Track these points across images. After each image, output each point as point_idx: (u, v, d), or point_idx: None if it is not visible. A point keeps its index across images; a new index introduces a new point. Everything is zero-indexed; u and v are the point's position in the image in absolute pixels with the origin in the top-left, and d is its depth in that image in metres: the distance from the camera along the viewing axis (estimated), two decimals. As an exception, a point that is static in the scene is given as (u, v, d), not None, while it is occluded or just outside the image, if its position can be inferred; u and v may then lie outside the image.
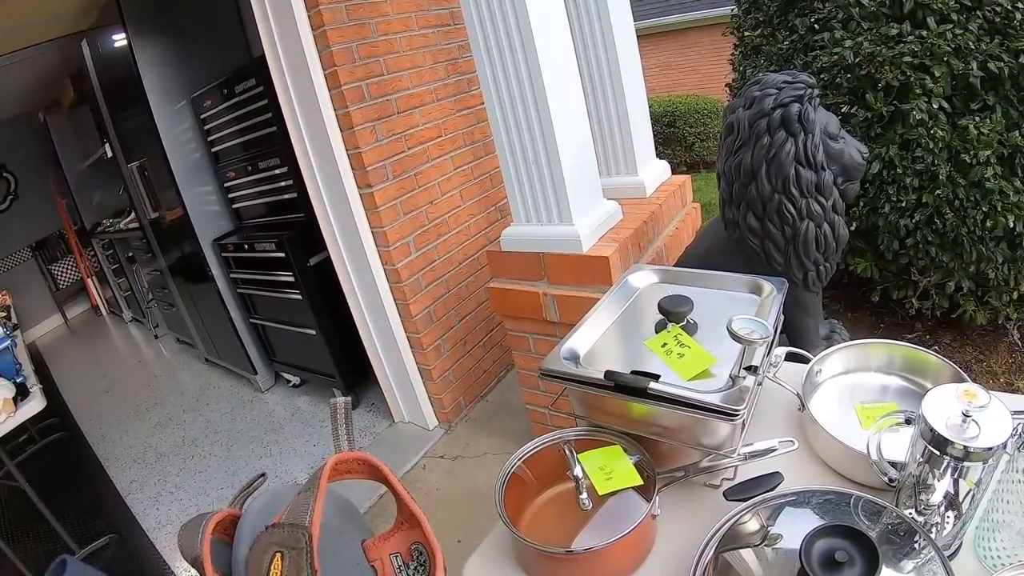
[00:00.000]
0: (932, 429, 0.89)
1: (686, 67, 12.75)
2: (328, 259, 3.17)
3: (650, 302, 1.45)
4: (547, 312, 2.39)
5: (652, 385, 1.12)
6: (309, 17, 2.62)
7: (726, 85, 4.10)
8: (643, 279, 1.60)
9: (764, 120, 1.77)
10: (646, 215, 2.51)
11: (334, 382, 3.69)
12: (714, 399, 1.08)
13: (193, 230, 3.82)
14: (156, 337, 6.08)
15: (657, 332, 1.32)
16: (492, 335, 3.59)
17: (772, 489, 1.04)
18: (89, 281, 7.71)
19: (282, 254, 3.41)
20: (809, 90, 1.77)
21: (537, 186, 2.32)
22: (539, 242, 2.36)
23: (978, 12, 2.80)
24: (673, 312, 1.31)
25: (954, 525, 0.95)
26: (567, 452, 1.13)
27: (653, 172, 2.84)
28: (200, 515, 0.85)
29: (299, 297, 3.48)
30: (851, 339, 2.13)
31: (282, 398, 4.13)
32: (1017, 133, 2.76)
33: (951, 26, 2.78)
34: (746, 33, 3.63)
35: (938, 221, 2.85)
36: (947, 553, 0.97)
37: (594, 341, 1.36)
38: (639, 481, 1.12)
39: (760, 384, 1.18)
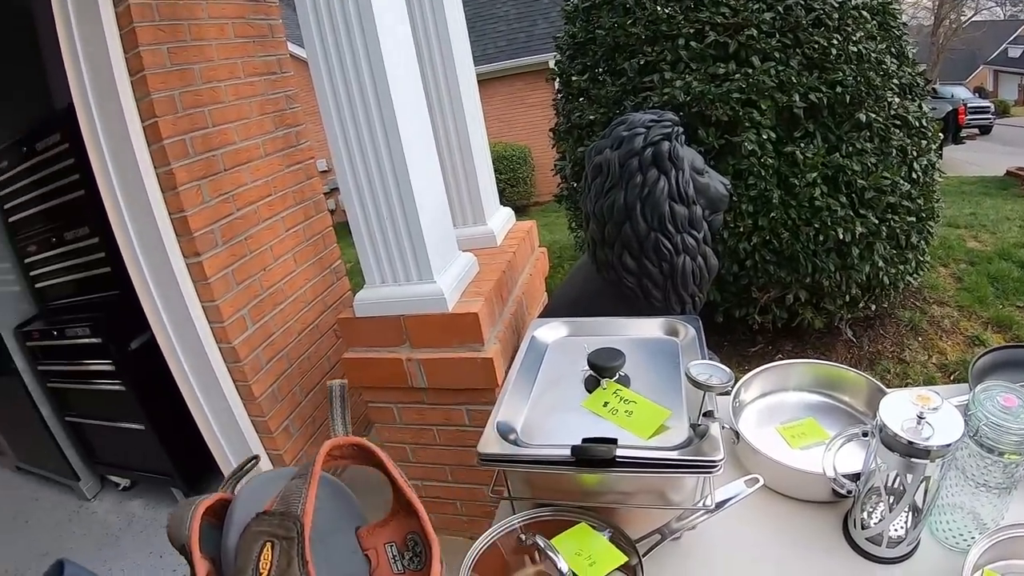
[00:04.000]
0: (893, 435, 0.97)
1: (491, 116, 13.08)
2: (153, 340, 2.79)
3: (566, 357, 1.38)
4: (413, 379, 2.22)
5: (620, 453, 1.02)
6: (127, 59, 2.30)
7: (550, 130, 4.17)
8: (550, 333, 1.50)
9: (636, 159, 1.74)
10: (503, 264, 2.42)
11: (171, 481, 3.28)
12: (691, 454, 1.02)
13: (-12, 317, 3.30)
14: (-45, 445, 5.23)
15: (589, 390, 1.23)
16: (341, 409, 3.33)
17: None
18: None
19: (97, 339, 3.02)
20: (676, 127, 1.77)
21: (393, 243, 2.16)
22: (398, 304, 2.18)
23: (798, 49, 3.04)
24: (606, 367, 1.22)
25: (917, 519, 1.04)
26: (543, 546, 0.98)
27: (500, 219, 2.77)
28: (190, 500, 0.82)
29: (121, 388, 3.07)
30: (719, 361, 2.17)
31: (113, 505, 3.62)
32: (838, 155, 3.00)
33: (774, 63, 2.98)
34: (573, 78, 3.70)
35: (774, 241, 3.03)
36: (913, 544, 1.08)
37: (525, 411, 1.23)
38: (623, 558, 1.01)
39: (723, 428, 1.12)
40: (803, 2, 3.16)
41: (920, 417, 0.97)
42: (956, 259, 5.25)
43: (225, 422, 2.81)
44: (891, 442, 0.98)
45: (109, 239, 2.69)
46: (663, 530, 1.09)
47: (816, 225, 3.02)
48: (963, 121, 15.07)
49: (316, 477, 0.81)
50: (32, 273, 3.47)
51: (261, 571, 0.73)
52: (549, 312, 2.18)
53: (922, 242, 3.66)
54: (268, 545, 0.75)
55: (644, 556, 1.02)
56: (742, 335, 3.58)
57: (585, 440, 1.07)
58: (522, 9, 14.61)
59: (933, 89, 20.97)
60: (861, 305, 3.48)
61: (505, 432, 1.16)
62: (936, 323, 4.12)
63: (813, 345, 3.65)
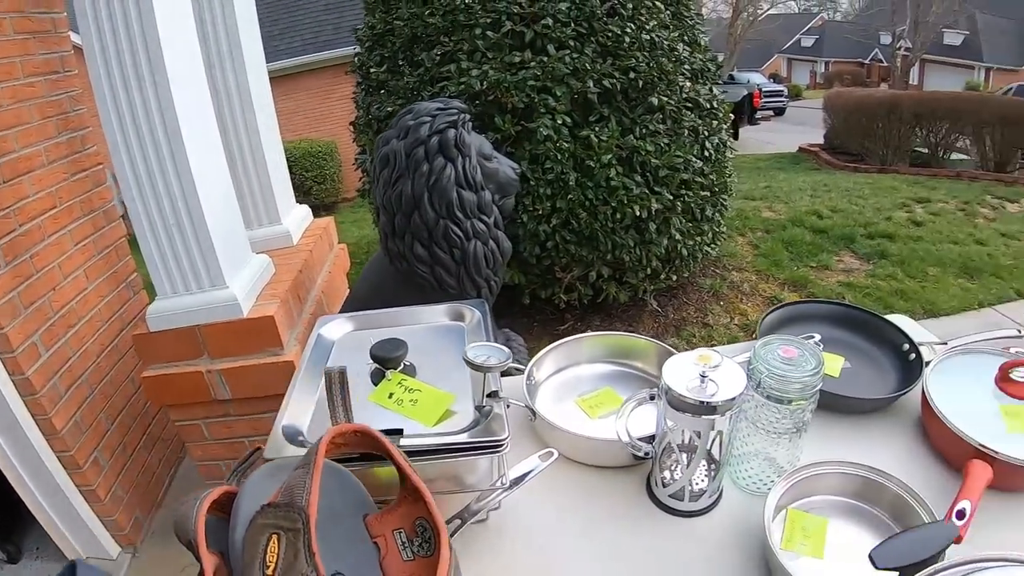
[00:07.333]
0: (679, 396, 1.00)
1: (296, 111, 12.89)
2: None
3: (353, 353, 1.36)
4: (215, 391, 2.16)
5: (403, 443, 1.02)
6: None
7: (350, 124, 4.16)
8: (336, 330, 1.47)
9: (421, 148, 1.77)
10: (299, 264, 2.40)
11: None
12: (477, 435, 1.03)
13: None
14: None
15: (375, 384, 1.22)
16: (151, 431, 3.13)
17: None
18: None
19: None
20: (462, 115, 1.81)
21: (181, 251, 2.08)
22: (192, 313, 2.11)
23: (592, 38, 3.19)
24: (389, 358, 1.22)
25: (715, 471, 1.10)
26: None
27: (296, 218, 2.73)
28: (195, 495, 0.81)
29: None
30: (523, 342, 2.23)
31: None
32: (631, 136, 3.16)
33: (568, 51, 3.10)
34: (371, 70, 3.69)
35: (573, 221, 3.17)
36: (715, 495, 1.14)
37: (312, 412, 1.21)
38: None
39: (508, 407, 1.14)
40: (599, -8, 3.30)
41: (703, 376, 1.01)
42: (753, 228, 5.69)
43: (28, 460, 2.55)
44: (678, 403, 1.01)
45: None
46: (463, 514, 1.09)
47: (613, 204, 3.17)
48: (758, 104, 16.30)
49: (319, 467, 0.80)
50: None
51: (268, 564, 0.72)
52: (346, 307, 2.17)
53: (717, 215, 3.92)
54: (274, 537, 0.74)
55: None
56: (551, 315, 3.71)
57: (375, 432, 1.08)
58: (329, 1, 14.41)
59: (731, 75, 22.76)
60: (663, 277, 3.70)
61: (292, 435, 1.13)
62: (736, 288, 4.47)
63: (620, 318, 3.84)
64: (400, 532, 0.91)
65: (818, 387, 1.06)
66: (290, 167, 9.77)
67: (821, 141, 12.36)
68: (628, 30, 3.29)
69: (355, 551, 0.89)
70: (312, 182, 11.09)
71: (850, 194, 7.26)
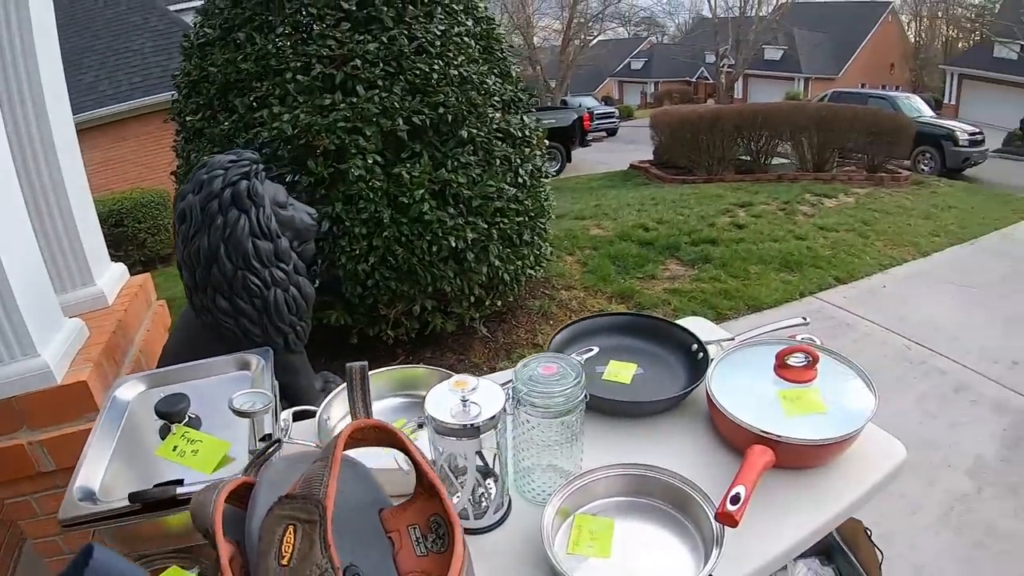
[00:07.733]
0: (442, 423, 1.05)
1: (126, 160, 12.28)
2: None
3: (146, 411, 1.39)
4: (39, 464, 2.08)
5: (180, 490, 1.08)
6: None
7: (171, 173, 4.08)
8: (130, 391, 1.50)
9: (215, 201, 1.81)
10: (113, 325, 2.36)
11: None
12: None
13: None
14: None
15: (164, 438, 1.27)
16: (-12, 515, 2.96)
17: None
18: None
19: None
20: (254, 166, 1.87)
21: (-12, 321, 2.00)
22: (6, 385, 2.02)
23: (401, 76, 3.29)
24: (171, 413, 1.27)
25: (498, 487, 1.16)
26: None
27: (111, 278, 2.67)
28: (213, 484, 0.83)
29: None
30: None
31: None
32: (443, 170, 3.29)
33: (378, 91, 3.20)
34: (188, 118, 3.66)
35: (391, 258, 3.25)
36: (502, 510, 1.19)
37: (104, 472, 1.25)
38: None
39: (279, 448, 1.21)
40: (407, 32, 3.40)
41: (464, 400, 1.06)
42: (581, 247, 5.94)
43: None
44: (443, 428, 1.06)
45: None
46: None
47: (428, 237, 3.28)
48: (588, 127, 16.81)
49: (337, 460, 0.81)
50: None
51: (283, 554, 0.74)
52: (160, 363, 2.16)
53: (536, 238, 4.10)
54: (290, 528, 0.75)
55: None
56: (382, 351, 3.72)
57: (156, 485, 1.12)
58: (159, 42, 13.67)
59: (563, 100, 23.53)
60: (487, 303, 3.83)
61: (86, 496, 1.17)
62: (565, 306, 4.68)
63: (451, 348, 3.94)
64: (415, 528, 0.94)
65: (582, 396, 1.16)
66: (122, 219, 8.98)
67: (651, 158, 12.92)
68: (436, 67, 3.41)
69: (369, 545, 0.91)
70: (146, 234, 10.41)
71: (676, 205, 7.69)
